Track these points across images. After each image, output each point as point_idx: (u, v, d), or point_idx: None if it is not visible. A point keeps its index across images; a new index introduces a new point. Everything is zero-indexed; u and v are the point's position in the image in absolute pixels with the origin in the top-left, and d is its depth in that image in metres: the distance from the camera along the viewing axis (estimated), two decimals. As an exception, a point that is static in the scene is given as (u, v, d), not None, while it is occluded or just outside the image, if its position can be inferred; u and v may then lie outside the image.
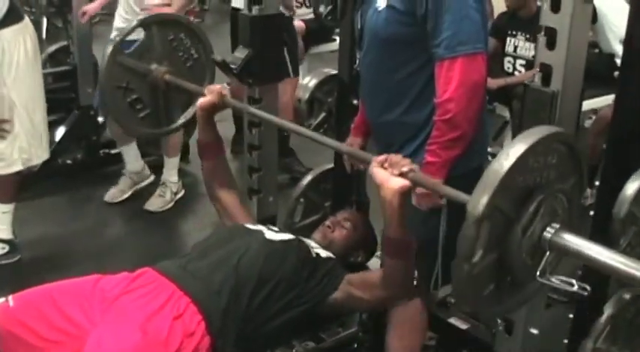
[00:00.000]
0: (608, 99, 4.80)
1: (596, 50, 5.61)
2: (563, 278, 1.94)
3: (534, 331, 2.69)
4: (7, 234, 4.26)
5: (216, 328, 2.42)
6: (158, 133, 3.40)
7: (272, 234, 2.72)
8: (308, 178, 3.71)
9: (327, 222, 2.97)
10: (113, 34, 4.57)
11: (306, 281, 2.58)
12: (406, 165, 2.22)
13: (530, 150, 1.84)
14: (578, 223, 2.08)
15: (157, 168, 5.29)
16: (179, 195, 5.19)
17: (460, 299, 1.95)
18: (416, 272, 2.75)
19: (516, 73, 5.40)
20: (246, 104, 3.05)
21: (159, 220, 4.95)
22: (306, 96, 3.68)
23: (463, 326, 3.23)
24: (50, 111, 4.42)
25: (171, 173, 5.14)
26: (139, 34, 3.37)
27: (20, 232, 4.40)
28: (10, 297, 2.45)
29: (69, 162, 5.38)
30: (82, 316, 2.41)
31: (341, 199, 3.52)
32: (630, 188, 2.27)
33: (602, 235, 2.53)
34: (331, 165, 3.64)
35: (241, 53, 3.22)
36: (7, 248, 4.24)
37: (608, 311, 2.74)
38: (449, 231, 2.72)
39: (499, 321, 2.72)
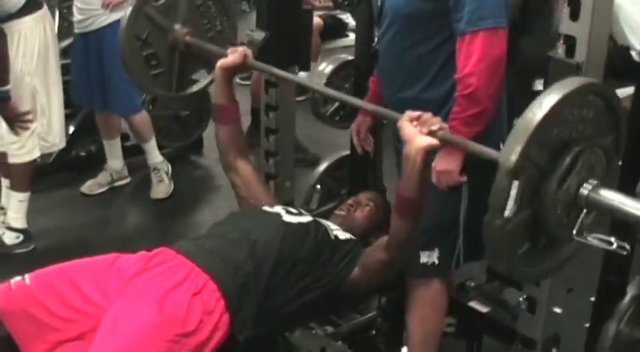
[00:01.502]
0: (623, 92, 4.77)
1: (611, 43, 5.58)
2: (602, 236, 1.88)
3: (557, 310, 2.66)
4: (21, 224, 4.27)
5: (234, 306, 2.38)
6: (165, 95, 3.30)
7: (290, 217, 2.68)
8: (324, 165, 3.69)
9: (350, 201, 2.93)
10: None
11: (324, 264, 2.54)
12: (437, 123, 2.19)
13: (565, 100, 1.78)
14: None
15: (176, 159, 5.31)
16: (169, 173, 5.18)
17: (494, 259, 1.88)
18: (437, 252, 2.74)
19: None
20: (270, 66, 2.96)
21: (174, 211, 4.95)
22: (323, 82, 3.66)
23: (483, 309, 3.19)
24: (64, 103, 4.42)
25: (153, 156, 5.10)
26: None
27: (35, 222, 4.41)
28: (26, 276, 2.43)
29: (82, 154, 5.36)
30: (98, 294, 2.38)
31: (357, 186, 3.49)
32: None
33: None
34: (347, 152, 3.62)
35: (259, 35, 3.20)
36: (21, 237, 4.26)
37: (631, 292, 2.72)
38: (470, 209, 2.70)
39: (521, 300, 2.70)
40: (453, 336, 3.33)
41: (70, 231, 4.61)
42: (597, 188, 1.86)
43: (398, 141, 2.84)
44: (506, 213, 1.76)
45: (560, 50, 2.28)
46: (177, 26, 3.13)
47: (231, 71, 2.83)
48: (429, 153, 2.21)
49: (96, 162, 5.20)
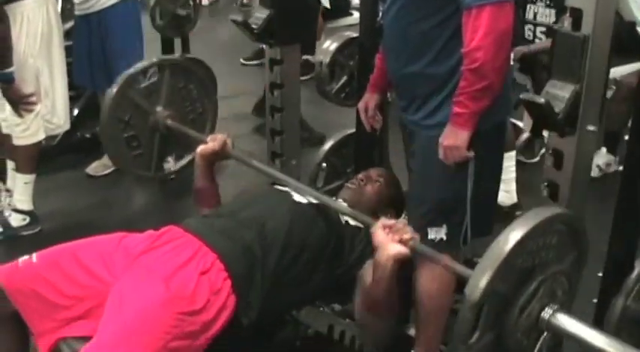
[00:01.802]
0: (630, 67, 4.75)
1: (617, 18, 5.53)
2: None
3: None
4: (28, 205, 4.27)
5: (241, 288, 2.39)
6: (142, 175, 3.40)
7: (300, 197, 2.68)
8: (330, 143, 3.68)
9: (360, 176, 2.94)
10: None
11: (333, 250, 2.55)
12: (408, 232, 2.25)
13: (530, 234, 1.86)
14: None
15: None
16: None
17: None
18: (445, 228, 2.73)
19: (537, 40, 5.33)
20: (249, 157, 3.05)
21: (180, 191, 4.91)
22: (327, 59, 3.63)
23: (491, 285, 3.19)
24: (68, 85, 4.42)
25: None
26: None
27: (41, 204, 4.41)
28: (33, 254, 2.45)
29: (87, 136, 5.35)
30: (105, 271, 2.39)
31: (363, 164, 3.48)
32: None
33: (630, 195, 2.53)
34: (353, 130, 3.60)
35: (262, 13, 3.19)
36: (27, 219, 4.26)
37: (639, 267, 2.71)
38: (476, 186, 2.69)
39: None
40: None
41: (75, 213, 4.61)
42: (557, 312, 1.96)
43: (404, 114, 2.84)
44: (472, 340, 1.84)
45: (567, 23, 2.26)
46: (158, 109, 3.20)
47: (211, 159, 2.89)
48: (399, 261, 2.26)
49: (101, 144, 5.15)
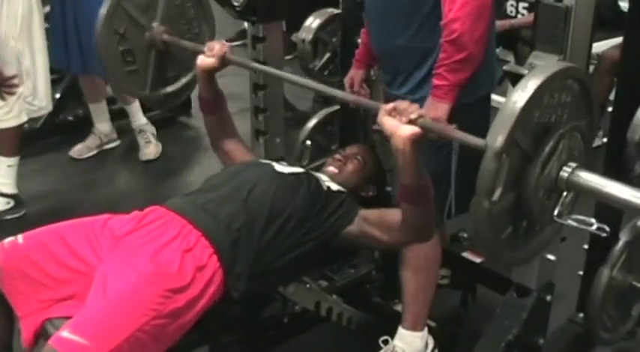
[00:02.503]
0: (612, 42, 4.76)
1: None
2: (581, 217, 1.94)
3: (551, 257, 2.67)
4: (11, 189, 4.25)
5: (227, 262, 2.38)
6: (138, 93, 3.34)
7: (282, 167, 2.68)
8: (314, 121, 3.67)
9: (338, 156, 2.91)
10: None
11: (317, 215, 2.54)
12: (414, 111, 2.13)
13: (547, 83, 1.81)
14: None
15: (164, 120, 5.34)
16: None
17: (479, 241, 1.93)
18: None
19: (519, 16, 5.34)
20: (249, 60, 3.00)
21: (164, 172, 4.94)
22: (310, 37, 3.64)
23: (477, 259, 3.20)
24: (50, 68, 4.39)
25: (138, 117, 5.10)
26: None
27: (25, 188, 4.39)
28: (19, 235, 2.42)
29: (70, 118, 5.35)
30: (91, 253, 2.38)
31: (347, 141, 3.47)
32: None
33: (615, 167, 2.54)
34: (337, 107, 3.60)
35: (245, -11, 3.16)
36: (12, 202, 4.24)
37: (624, 238, 2.74)
38: (461, 161, 2.69)
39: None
40: (448, 287, 3.35)
41: (60, 195, 4.60)
42: (577, 170, 1.90)
43: (388, 89, 2.83)
44: (494, 196, 1.79)
45: (550, -5, 2.27)
46: (155, 24, 3.13)
47: (212, 71, 2.83)
48: (416, 141, 2.15)
49: (84, 126, 5.16)
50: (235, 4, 3.15)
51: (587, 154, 2.03)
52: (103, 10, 3.03)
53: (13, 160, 4.19)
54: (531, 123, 1.84)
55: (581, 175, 1.89)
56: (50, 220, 2.51)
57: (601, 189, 1.87)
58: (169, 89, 3.31)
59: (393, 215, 2.44)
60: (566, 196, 1.93)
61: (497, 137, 1.74)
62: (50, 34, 4.64)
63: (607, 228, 1.93)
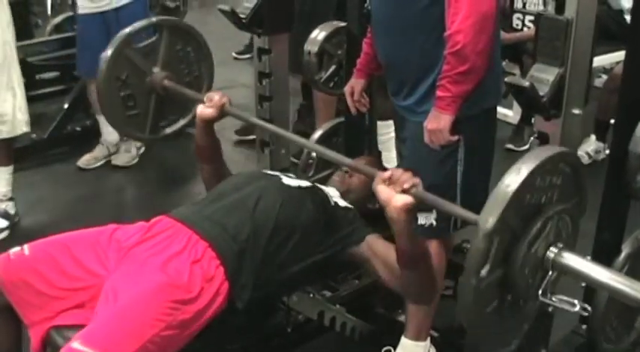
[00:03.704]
0: (618, 55, 4.77)
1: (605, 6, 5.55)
2: (565, 298, 2.00)
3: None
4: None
5: (233, 273, 2.39)
6: (137, 137, 3.40)
7: (289, 180, 2.70)
8: (319, 132, 3.69)
9: (345, 168, 2.94)
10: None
11: (323, 230, 2.55)
12: (408, 180, 2.17)
13: (540, 167, 1.87)
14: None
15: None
16: (141, 150, 5.23)
17: (463, 316, 1.96)
18: (434, 213, 2.74)
19: (525, 28, 5.35)
20: (248, 114, 3.03)
21: (171, 183, 4.97)
22: (316, 49, 3.65)
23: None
24: (58, 78, 4.43)
25: None
26: None
27: (32, 197, 4.47)
28: (25, 246, 2.44)
29: (78, 129, 5.38)
30: (98, 265, 2.39)
31: (352, 152, 3.49)
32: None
33: (617, 179, 2.55)
34: (342, 119, 3.62)
35: (250, 2, 3.20)
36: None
37: (626, 250, 2.74)
38: (466, 172, 2.71)
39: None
40: (452, 298, 3.35)
41: (66, 205, 4.62)
42: (562, 251, 1.97)
43: (394, 100, 2.85)
44: (482, 273, 1.84)
45: (550, 7, 2.29)
46: (155, 69, 3.17)
47: (211, 121, 2.85)
48: (410, 210, 2.18)
49: (91, 137, 5.19)
50: (241, 16, 3.19)
51: (576, 234, 2.09)
52: (106, 57, 3.09)
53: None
54: (522, 204, 1.89)
55: (567, 257, 1.96)
56: (57, 230, 2.53)
57: (584, 271, 1.96)
58: (168, 131, 3.37)
59: None
60: (552, 276, 1.99)
61: (488, 218, 1.79)
62: (82, 46, 4.78)
63: (589, 308, 2.03)
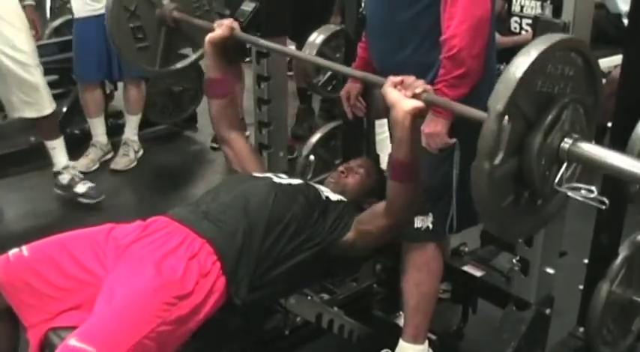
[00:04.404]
0: (616, 59, 4.77)
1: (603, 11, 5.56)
2: (581, 185, 1.92)
3: (550, 270, 2.68)
4: None
5: (230, 269, 2.40)
6: (148, 70, 3.34)
7: (280, 179, 2.72)
8: (317, 135, 3.70)
9: (341, 168, 2.94)
10: None
11: (317, 223, 2.56)
12: (420, 85, 2.19)
13: (549, 50, 1.82)
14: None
15: (170, 135, 5.43)
16: (139, 154, 5.27)
17: (480, 207, 1.91)
18: (431, 217, 2.75)
19: (523, 32, 5.36)
20: (256, 37, 3.00)
21: (168, 185, 4.97)
22: (314, 52, 3.66)
23: (477, 273, 3.22)
24: (57, 82, 4.44)
25: (133, 132, 5.22)
26: None
27: (31, 198, 4.52)
28: (23, 247, 2.44)
29: (77, 132, 5.40)
30: (96, 264, 2.40)
31: (351, 156, 3.50)
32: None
33: (614, 182, 2.55)
34: (340, 122, 3.63)
35: (248, 6, 3.21)
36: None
37: (623, 253, 2.75)
38: (461, 175, 2.71)
39: (515, 262, 2.72)
40: (449, 301, 3.36)
41: (65, 208, 4.65)
42: (578, 141, 1.90)
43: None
44: (495, 160, 1.80)
45: (547, 10, 2.29)
46: (165, 1, 3.15)
47: (220, 44, 2.84)
48: (416, 115, 2.20)
49: (90, 140, 5.24)
50: (240, 20, 3.19)
51: (592, 128, 2.03)
52: None
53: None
54: (534, 90, 1.85)
55: (583, 146, 1.89)
56: (55, 232, 2.54)
57: (602, 159, 1.86)
58: (178, 65, 3.34)
59: (381, 205, 2.49)
60: (568, 167, 1.93)
61: (498, 99, 1.76)
62: (82, 50, 4.84)
63: (606, 201, 1.90)
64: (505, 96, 1.75)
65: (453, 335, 3.24)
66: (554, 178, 1.92)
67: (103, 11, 4.45)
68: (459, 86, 2.53)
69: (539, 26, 2.33)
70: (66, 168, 4.63)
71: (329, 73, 3.71)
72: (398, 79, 2.22)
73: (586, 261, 2.90)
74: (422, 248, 2.83)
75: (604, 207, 1.89)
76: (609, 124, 2.74)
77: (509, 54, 5.22)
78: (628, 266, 2.78)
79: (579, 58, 1.96)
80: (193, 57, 3.31)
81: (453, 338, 3.20)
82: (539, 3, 5.13)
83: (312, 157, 3.64)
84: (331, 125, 3.72)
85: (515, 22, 5.42)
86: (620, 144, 2.50)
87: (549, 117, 1.86)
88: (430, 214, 2.76)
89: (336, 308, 3.14)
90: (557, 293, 2.80)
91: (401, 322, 3.02)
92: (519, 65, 1.77)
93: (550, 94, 1.89)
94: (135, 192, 5.11)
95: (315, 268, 2.61)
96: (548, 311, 2.76)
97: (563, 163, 1.91)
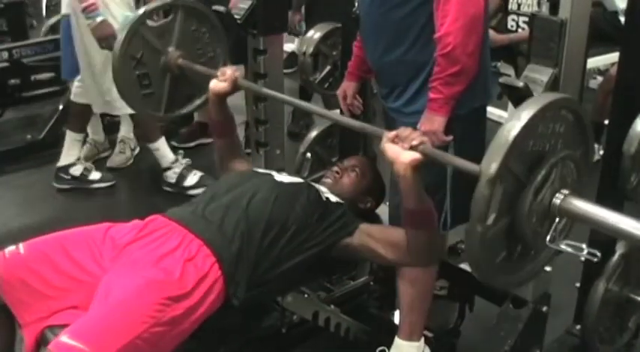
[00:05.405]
0: (614, 57, 4.77)
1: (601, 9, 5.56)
2: (573, 243, 1.98)
3: (547, 268, 2.68)
4: None
5: (229, 270, 2.41)
6: (154, 115, 3.40)
7: (281, 177, 2.72)
8: (314, 133, 3.69)
9: (335, 168, 2.95)
10: None
11: (316, 224, 2.57)
12: (416, 138, 2.22)
13: (540, 112, 1.85)
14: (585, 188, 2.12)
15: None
16: (136, 152, 5.29)
17: (473, 265, 1.97)
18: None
19: (520, 30, 5.35)
20: (259, 85, 3.10)
21: (162, 184, 4.95)
22: (311, 49, 3.66)
23: (474, 270, 3.21)
24: (53, 79, 4.44)
25: (128, 129, 5.21)
26: None
27: (28, 196, 4.54)
28: (20, 245, 2.44)
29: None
30: (93, 263, 2.40)
31: (347, 153, 3.49)
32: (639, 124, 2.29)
33: (611, 179, 2.56)
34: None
35: (245, 3, 3.21)
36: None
37: (620, 250, 2.74)
38: (456, 172, 2.71)
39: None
40: (445, 298, 3.35)
41: (61, 205, 4.66)
42: (569, 197, 1.95)
43: (384, 102, 2.86)
44: (488, 221, 1.84)
45: (544, 8, 2.29)
46: (170, 49, 3.18)
47: (224, 95, 2.88)
48: (417, 167, 2.24)
49: (86, 138, 5.21)
50: (236, 16, 3.19)
51: (582, 182, 2.07)
52: (121, 36, 3.11)
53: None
54: (525, 151, 1.88)
55: (573, 202, 1.93)
56: (51, 230, 2.53)
57: (592, 216, 1.92)
58: (183, 110, 3.39)
59: (397, 233, 2.51)
60: (559, 223, 1.97)
61: (490, 164, 1.79)
62: (63, 47, 4.74)
63: (598, 254, 1.99)
64: (497, 160, 1.79)
65: (450, 332, 3.23)
66: (547, 233, 1.96)
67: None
68: (454, 84, 2.54)
69: (537, 24, 2.33)
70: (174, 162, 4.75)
71: (327, 70, 3.70)
72: (392, 133, 2.25)
73: (583, 257, 2.90)
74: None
75: (596, 259, 1.99)
76: (606, 122, 2.74)
77: (505, 52, 5.27)
78: (625, 263, 2.78)
79: (569, 114, 2.00)
80: (197, 102, 3.37)
81: (449, 336, 3.19)
82: (536, 0, 5.13)
83: (308, 155, 3.62)
84: (328, 123, 3.70)
85: (512, 19, 5.41)
86: (617, 141, 2.51)
87: (539, 176, 1.92)
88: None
89: (332, 306, 3.13)
90: (554, 290, 2.80)
91: (397, 320, 3.01)
92: (511, 129, 1.80)
93: (541, 152, 1.94)
94: (131, 190, 5.10)
95: (313, 268, 2.61)
96: (545, 308, 2.76)
97: (554, 219, 1.96)
